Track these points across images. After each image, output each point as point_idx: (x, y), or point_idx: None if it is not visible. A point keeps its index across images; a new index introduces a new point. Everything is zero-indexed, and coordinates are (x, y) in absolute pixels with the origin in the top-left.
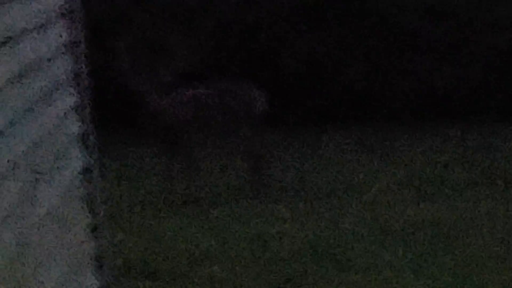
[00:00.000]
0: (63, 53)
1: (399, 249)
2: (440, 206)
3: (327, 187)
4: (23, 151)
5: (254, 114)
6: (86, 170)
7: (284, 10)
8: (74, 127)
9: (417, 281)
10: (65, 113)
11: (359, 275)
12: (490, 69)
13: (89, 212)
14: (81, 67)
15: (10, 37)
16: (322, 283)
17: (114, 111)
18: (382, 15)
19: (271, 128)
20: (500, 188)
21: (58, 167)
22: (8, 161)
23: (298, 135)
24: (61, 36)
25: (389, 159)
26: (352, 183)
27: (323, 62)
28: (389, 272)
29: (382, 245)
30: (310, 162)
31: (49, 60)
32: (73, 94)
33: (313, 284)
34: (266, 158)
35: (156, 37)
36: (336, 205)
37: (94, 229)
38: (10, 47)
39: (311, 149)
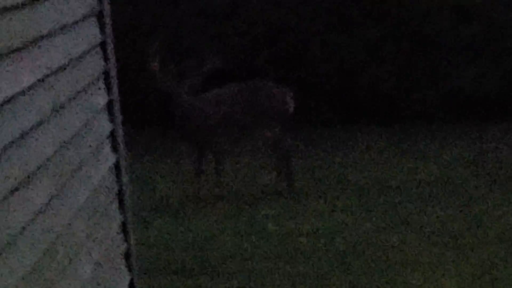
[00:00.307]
0: (93, 53)
1: (424, 248)
2: (469, 206)
3: (357, 185)
4: (54, 149)
5: (283, 113)
6: (116, 168)
7: (311, 11)
8: (105, 125)
9: (443, 280)
10: (95, 112)
11: (385, 275)
12: None
13: (119, 209)
14: (111, 67)
15: (41, 37)
16: (347, 280)
17: (144, 110)
18: (407, 16)
19: (300, 127)
20: None
21: (89, 165)
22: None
23: (326, 135)
24: (91, 36)
25: (418, 158)
26: (382, 182)
27: (350, 62)
28: (415, 272)
29: (407, 244)
30: (338, 161)
31: (79, 59)
32: (103, 94)
33: (339, 280)
34: (293, 156)
35: (186, 38)
36: (361, 203)
37: (123, 225)
38: (40, 46)
39: (339, 148)
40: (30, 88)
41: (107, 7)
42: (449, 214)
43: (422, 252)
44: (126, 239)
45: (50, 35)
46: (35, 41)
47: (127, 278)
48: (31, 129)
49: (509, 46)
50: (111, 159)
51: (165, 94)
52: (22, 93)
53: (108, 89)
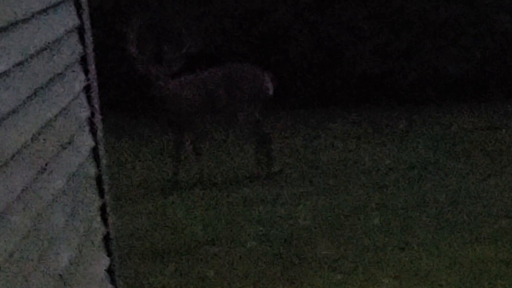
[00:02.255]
0: (70, 37)
1: (404, 229)
2: (444, 187)
3: (335, 168)
4: (32, 134)
5: (261, 96)
6: (94, 153)
7: None
8: (82, 110)
9: (428, 259)
10: (73, 97)
11: (370, 255)
12: (496, 51)
13: (98, 194)
14: (89, 51)
15: (18, 20)
16: (329, 262)
17: (122, 94)
18: None
19: (280, 109)
20: (503, 164)
21: (67, 150)
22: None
23: (305, 118)
24: (68, 20)
25: (396, 140)
26: (359, 164)
27: (330, 44)
28: (396, 253)
29: (388, 225)
30: (317, 144)
31: (56, 44)
32: (81, 78)
33: (319, 264)
34: (273, 139)
35: (165, 22)
36: (341, 186)
37: (102, 209)
38: (17, 30)
39: (318, 132)
40: (6, 73)
41: None
42: (429, 195)
43: (403, 233)
44: (105, 223)
45: (26, 19)
46: (11, 25)
47: (106, 262)
48: (7, 114)
49: (490, 26)
50: (90, 143)
51: (144, 78)
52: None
53: (86, 73)
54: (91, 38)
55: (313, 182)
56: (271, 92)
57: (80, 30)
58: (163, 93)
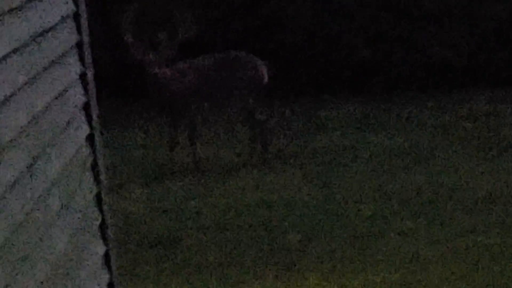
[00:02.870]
0: (66, 24)
1: (400, 216)
2: (440, 173)
3: (331, 156)
4: (28, 120)
5: (257, 84)
6: (90, 140)
7: None
8: (78, 97)
9: (424, 247)
10: (69, 83)
11: (365, 243)
12: (489, 38)
13: (93, 181)
14: (85, 38)
15: (14, 7)
16: (328, 248)
17: (117, 81)
18: None
19: (273, 97)
20: (499, 151)
21: (62, 136)
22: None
23: (300, 105)
24: (63, 6)
25: (392, 127)
26: (355, 152)
27: (323, 31)
28: (391, 240)
29: (383, 213)
30: (311, 131)
31: (52, 30)
32: (77, 65)
33: (315, 251)
34: (268, 127)
35: (159, 9)
36: (337, 172)
37: (98, 196)
38: (13, 17)
39: (312, 119)
40: (1, 59)
41: None
42: (422, 183)
43: (399, 221)
44: (101, 211)
45: (22, 5)
46: (7, 12)
47: (102, 250)
48: (4, 100)
49: (485, 13)
50: (85, 130)
51: (139, 65)
52: None
53: (82, 60)
54: (87, 25)
55: (308, 169)
56: (266, 79)
57: (76, 17)
58: (158, 80)
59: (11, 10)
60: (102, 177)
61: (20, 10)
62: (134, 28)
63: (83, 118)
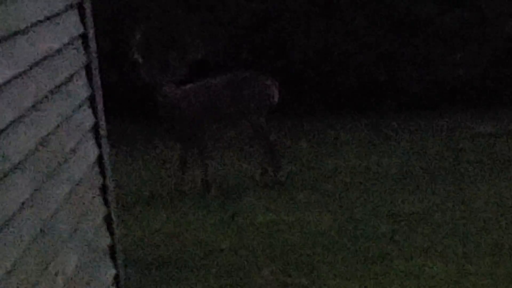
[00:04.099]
0: (74, 45)
1: (412, 238)
2: (453, 192)
3: (342, 176)
4: (36, 143)
5: (267, 103)
6: (99, 162)
7: (294, 0)
8: (87, 118)
9: (436, 269)
10: (77, 105)
11: (377, 263)
12: (503, 56)
13: (102, 202)
14: (93, 59)
15: (21, 29)
16: (333, 272)
17: (127, 102)
18: (392, 4)
19: (284, 117)
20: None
21: (71, 158)
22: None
23: (310, 124)
24: (71, 28)
25: (405, 146)
26: (368, 171)
27: (333, 50)
28: (403, 261)
29: (395, 234)
30: (323, 152)
31: (60, 52)
32: (85, 87)
33: (325, 273)
34: (279, 147)
35: (169, 29)
36: (347, 194)
37: (107, 218)
38: (21, 39)
39: (324, 139)
40: (9, 81)
41: None
42: (438, 202)
43: (411, 241)
44: (111, 232)
45: (30, 27)
46: (14, 34)
47: (112, 273)
48: (12, 123)
49: (496, 31)
50: (94, 152)
51: (148, 86)
52: (2, 86)
53: (90, 82)
54: (95, 46)
55: (319, 189)
56: (276, 99)
57: (84, 38)
58: (168, 101)
59: (18, 32)
60: (112, 199)
61: (27, 32)
62: (143, 48)
63: (92, 139)
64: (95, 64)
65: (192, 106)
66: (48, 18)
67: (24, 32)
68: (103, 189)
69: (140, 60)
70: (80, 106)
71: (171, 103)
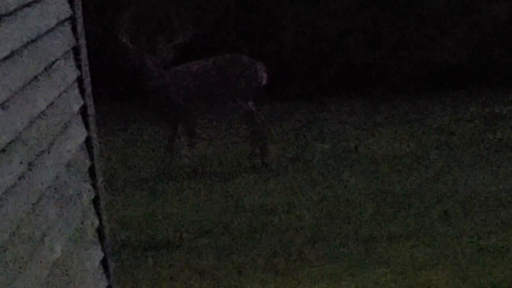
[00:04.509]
0: (62, 28)
1: (400, 219)
2: (440, 177)
3: (329, 158)
4: (24, 125)
5: (254, 85)
6: (87, 144)
7: None
8: (75, 101)
9: (421, 251)
10: (65, 88)
11: (363, 245)
12: (489, 39)
13: (91, 186)
14: (81, 42)
15: (9, 11)
16: (322, 254)
17: (115, 85)
18: None
19: (272, 100)
20: (500, 153)
21: (59, 141)
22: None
23: (299, 108)
24: (60, 10)
25: (392, 130)
26: (352, 155)
27: (323, 34)
28: (391, 243)
29: (383, 215)
30: (310, 134)
31: (48, 34)
32: (74, 69)
33: (314, 254)
34: (267, 130)
35: (156, 12)
36: (337, 175)
37: (95, 201)
38: (9, 22)
39: (311, 122)
40: None
41: None
42: (424, 185)
43: (397, 224)
44: (99, 216)
45: (18, 10)
46: (1, 16)
47: (99, 256)
48: (0, 105)
49: (484, 15)
50: (82, 134)
51: (136, 68)
52: None
53: (79, 64)
54: (83, 29)
55: (307, 172)
56: (264, 82)
57: (73, 21)
58: (157, 83)
59: (6, 15)
60: (100, 182)
61: (15, 15)
62: (131, 31)
63: (80, 122)
64: (83, 47)
65: (180, 89)
66: (37, 1)
67: (13, 14)
68: (91, 171)
69: (128, 43)
70: (68, 89)
71: (159, 86)
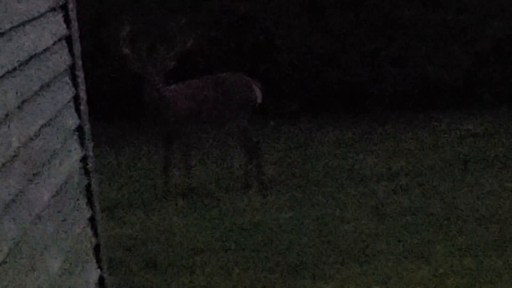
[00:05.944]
0: (58, 46)
1: (397, 237)
2: (436, 194)
3: (325, 176)
4: (21, 143)
5: (250, 105)
6: (83, 162)
7: (279, 1)
8: (71, 119)
9: (419, 268)
10: (62, 106)
11: (360, 263)
12: (483, 57)
13: (87, 204)
14: (77, 61)
15: (6, 30)
16: (318, 272)
17: (111, 104)
18: (376, 4)
19: (267, 119)
20: (496, 171)
21: (56, 159)
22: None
23: (293, 126)
24: (56, 29)
25: (387, 148)
26: (348, 173)
27: (317, 52)
28: (387, 261)
29: (380, 234)
30: (307, 152)
31: (45, 53)
32: (70, 88)
33: (310, 272)
34: (261, 148)
35: (156, 23)
36: (332, 194)
37: (92, 220)
38: (5, 40)
39: (306, 140)
40: None
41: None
42: (421, 202)
43: (394, 241)
44: (95, 234)
45: (14, 29)
46: (3, 33)
47: (96, 274)
48: None
49: (481, 32)
50: (79, 153)
51: (137, 78)
52: None
53: (75, 82)
54: (79, 48)
55: (303, 190)
56: (259, 100)
57: (69, 40)
58: (156, 94)
59: (3, 34)
60: (96, 200)
61: (12, 33)
62: (131, 42)
63: (77, 140)
64: (79, 66)
65: (177, 107)
66: (33, 20)
67: (9, 33)
68: (88, 190)
69: (129, 52)
70: (64, 107)
71: (158, 101)
